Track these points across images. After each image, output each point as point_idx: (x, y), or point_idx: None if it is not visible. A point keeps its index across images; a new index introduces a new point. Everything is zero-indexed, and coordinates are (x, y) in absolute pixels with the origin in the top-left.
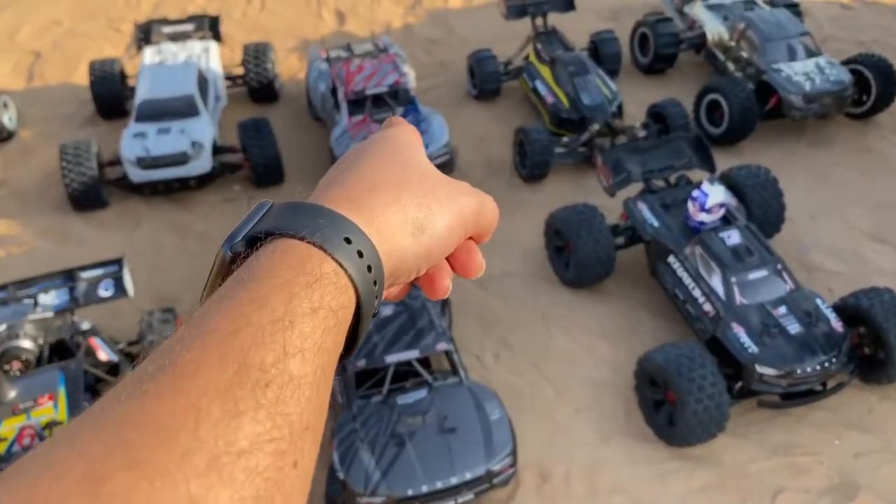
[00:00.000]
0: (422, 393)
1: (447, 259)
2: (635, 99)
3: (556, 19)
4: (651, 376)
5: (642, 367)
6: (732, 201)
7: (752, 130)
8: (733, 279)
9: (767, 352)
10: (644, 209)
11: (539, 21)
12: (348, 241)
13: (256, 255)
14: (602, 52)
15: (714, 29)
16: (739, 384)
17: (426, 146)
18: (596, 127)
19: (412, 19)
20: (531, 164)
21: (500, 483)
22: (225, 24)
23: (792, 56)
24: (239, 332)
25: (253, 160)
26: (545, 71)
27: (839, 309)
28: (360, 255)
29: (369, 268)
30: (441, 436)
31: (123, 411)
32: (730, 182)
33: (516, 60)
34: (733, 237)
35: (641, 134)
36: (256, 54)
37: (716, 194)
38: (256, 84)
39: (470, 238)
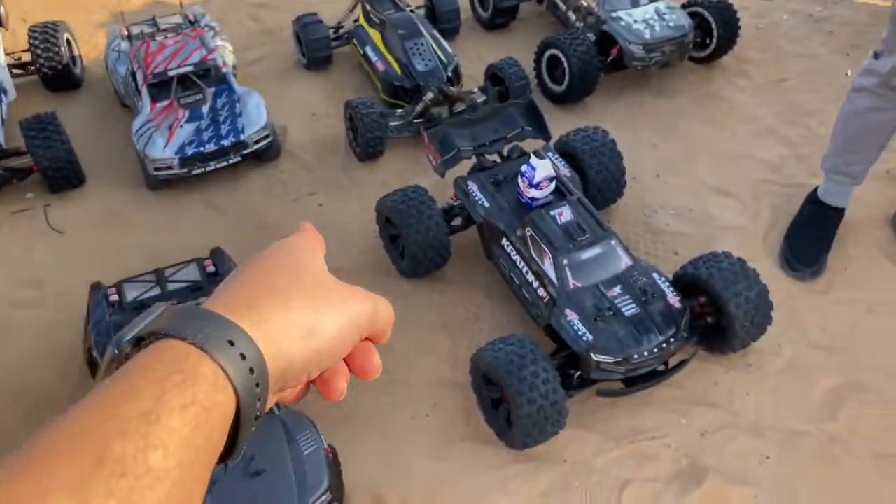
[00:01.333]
0: None
1: (344, 360)
2: (479, 58)
3: None
4: (485, 374)
5: (475, 365)
6: (566, 171)
7: (594, 86)
8: (565, 261)
9: (602, 338)
10: (474, 188)
11: None
12: (231, 343)
13: (138, 355)
14: (438, 9)
15: None
16: (578, 374)
17: (241, 130)
18: (430, 95)
19: None
20: (363, 142)
21: None
22: (20, 0)
23: (633, 3)
24: (104, 424)
25: (40, 163)
26: (375, 35)
27: (679, 279)
28: (243, 357)
29: (251, 370)
30: (246, 481)
31: None
32: (566, 149)
33: (347, 23)
34: (565, 214)
35: (480, 99)
36: (45, 36)
37: (543, 168)
38: (48, 70)
39: (367, 339)
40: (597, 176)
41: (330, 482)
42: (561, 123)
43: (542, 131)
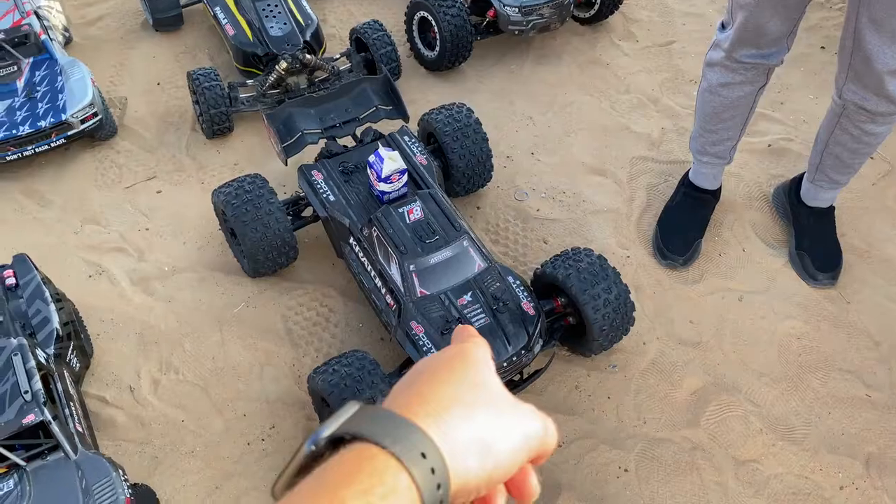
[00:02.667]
0: (10, 482)
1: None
2: (348, 18)
3: None
4: (322, 397)
5: (311, 387)
6: (423, 159)
7: (468, 52)
8: (412, 266)
9: None
10: (319, 179)
11: None
12: (423, 455)
13: (338, 458)
14: None
15: None
16: None
17: (62, 109)
18: (284, 64)
19: None
20: (208, 119)
21: None
22: None
23: None
24: None
25: None
26: None
27: (538, 278)
28: (433, 471)
29: (438, 486)
30: None
31: None
32: (428, 129)
33: None
34: (415, 212)
35: (344, 66)
36: None
37: (391, 161)
38: None
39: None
40: (460, 161)
41: None
42: (435, 91)
43: (399, 111)
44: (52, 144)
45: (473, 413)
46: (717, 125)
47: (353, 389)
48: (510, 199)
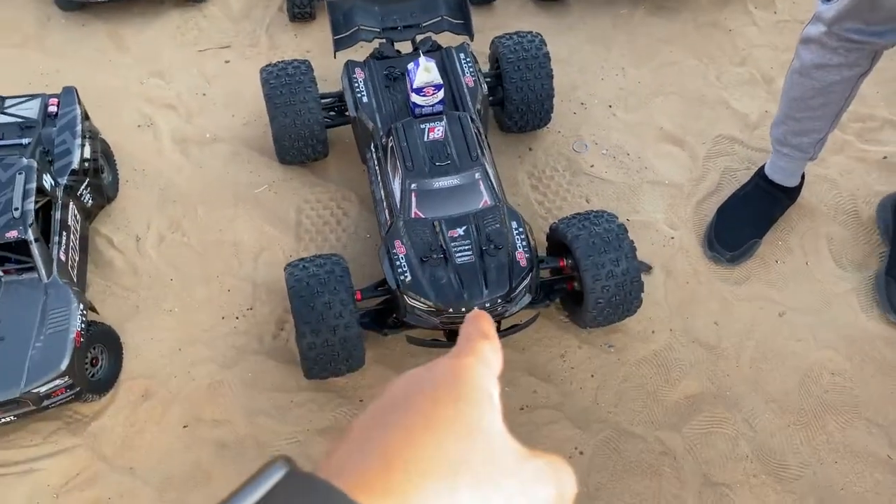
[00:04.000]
0: None
1: None
2: None
3: None
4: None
5: (287, 282)
6: (469, 80)
7: None
8: (413, 185)
9: (419, 281)
10: (360, 78)
11: None
12: None
13: None
14: None
15: None
16: (394, 315)
17: None
18: None
19: None
20: (293, 1)
21: (54, 405)
22: None
23: None
24: None
25: None
26: None
27: (551, 233)
28: None
29: None
30: None
31: None
32: (496, 54)
33: None
34: (437, 131)
35: None
36: None
37: (426, 72)
38: None
39: None
40: (516, 94)
41: (69, 367)
42: (527, 21)
43: (465, 27)
44: None
45: (459, 479)
46: (803, 113)
47: (313, 289)
48: (567, 147)
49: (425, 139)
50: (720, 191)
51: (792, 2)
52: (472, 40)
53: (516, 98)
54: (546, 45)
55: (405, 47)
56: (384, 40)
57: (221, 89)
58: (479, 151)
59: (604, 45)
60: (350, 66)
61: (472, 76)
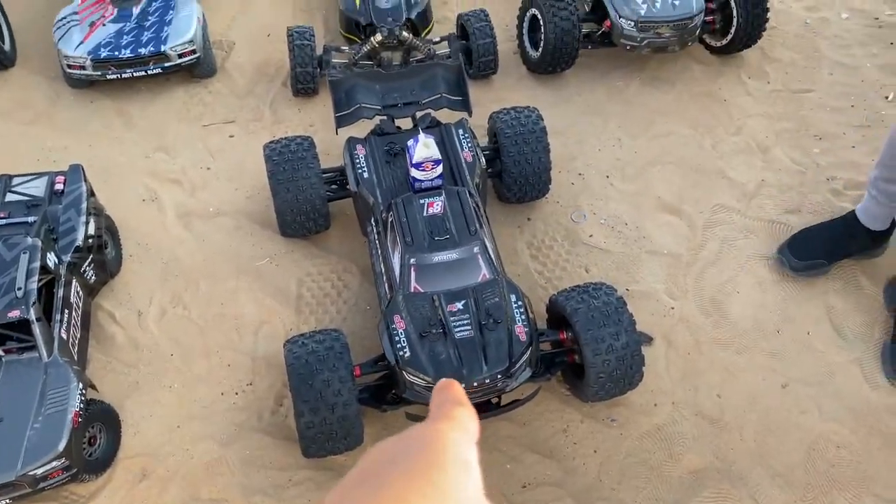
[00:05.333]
0: None
1: None
2: (469, 4)
3: None
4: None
5: (286, 359)
6: (468, 155)
7: (572, 59)
8: (412, 260)
9: (419, 356)
10: (361, 154)
11: None
12: None
13: None
14: None
15: None
16: (393, 391)
17: (163, 41)
18: (379, 37)
19: None
20: (293, 76)
21: (50, 487)
22: None
23: None
24: None
25: None
26: None
27: (550, 306)
28: None
29: None
30: None
31: None
32: (493, 128)
33: None
34: (436, 206)
35: (443, 51)
36: None
37: (425, 148)
38: None
39: None
40: (514, 167)
41: (66, 448)
42: (526, 94)
43: (463, 103)
44: (149, 72)
45: None
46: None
47: (312, 367)
48: (566, 217)
49: (425, 214)
50: (720, 260)
51: (785, 72)
52: (470, 116)
53: (514, 171)
54: (542, 119)
55: (405, 123)
56: (385, 117)
57: (225, 163)
58: (477, 226)
59: (600, 117)
60: (352, 142)
61: (471, 151)
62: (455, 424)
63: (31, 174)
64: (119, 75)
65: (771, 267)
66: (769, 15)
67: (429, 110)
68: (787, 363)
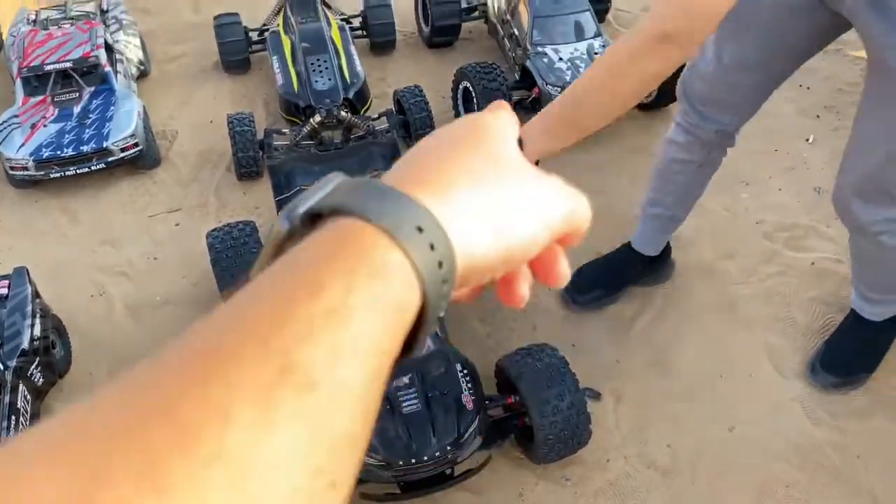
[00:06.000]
0: None
1: (529, 263)
2: (406, 80)
3: None
4: None
5: None
6: None
7: None
8: None
9: (375, 437)
10: None
11: None
12: (420, 229)
13: (315, 234)
14: (370, 21)
15: None
16: None
17: (105, 136)
18: (318, 118)
19: None
20: (237, 161)
21: None
22: None
23: (564, 38)
24: (287, 324)
25: None
26: (287, 44)
27: (498, 371)
28: (432, 247)
29: (440, 264)
30: None
31: (142, 396)
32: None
33: (271, 25)
34: None
35: (381, 126)
36: None
37: None
38: None
39: (557, 242)
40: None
41: None
42: None
43: None
44: (93, 168)
45: (486, 185)
46: None
47: None
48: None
49: None
50: (662, 312)
51: None
52: None
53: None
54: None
55: None
56: None
57: (172, 252)
58: None
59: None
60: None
61: None
62: (497, 113)
63: None
64: (62, 173)
65: (713, 313)
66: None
67: None
68: (732, 407)
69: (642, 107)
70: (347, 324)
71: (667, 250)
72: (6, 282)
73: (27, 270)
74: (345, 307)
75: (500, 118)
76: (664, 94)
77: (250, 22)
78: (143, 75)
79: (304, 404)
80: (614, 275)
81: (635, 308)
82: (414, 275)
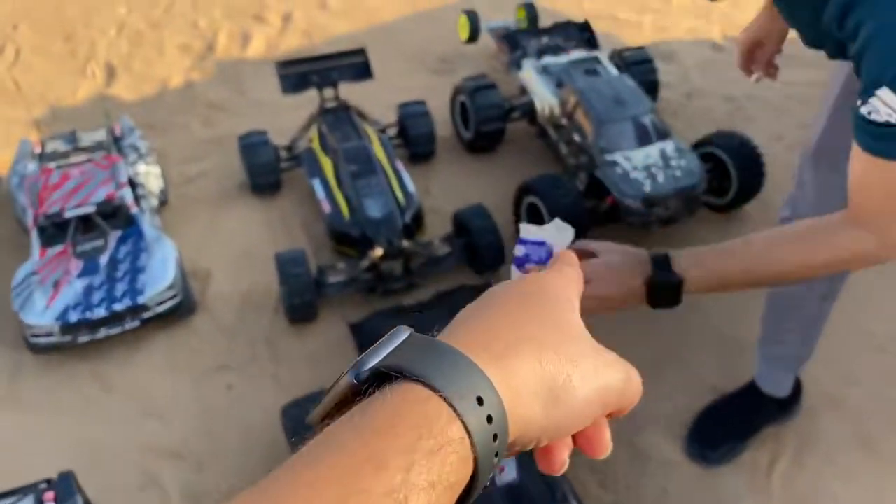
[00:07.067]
0: None
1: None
2: (450, 192)
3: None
4: None
5: None
6: None
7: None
8: None
9: None
10: None
11: (330, 92)
12: (480, 401)
13: (381, 398)
14: (410, 132)
15: (544, 99)
16: None
17: (140, 291)
18: (380, 251)
19: (197, 75)
20: (289, 307)
21: None
22: None
23: (632, 142)
24: (349, 498)
25: None
26: (327, 165)
27: None
28: (489, 420)
29: (494, 437)
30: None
31: None
32: None
33: (301, 141)
34: (507, 472)
35: (443, 252)
36: None
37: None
38: None
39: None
40: None
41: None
42: None
43: None
44: (125, 328)
45: (544, 354)
46: None
47: None
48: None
49: (497, 482)
50: (801, 461)
51: None
52: None
53: None
54: None
55: None
56: None
57: (231, 422)
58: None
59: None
60: None
61: None
62: (562, 274)
63: (9, 493)
64: (92, 336)
65: (853, 452)
66: (765, 165)
67: None
68: None
69: (716, 207)
70: (404, 503)
71: (798, 386)
72: (51, 493)
73: (74, 477)
74: (404, 486)
75: (566, 278)
76: (740, 195)
77: (273, 134)
78: (161, 204)
79: None
80: (744, 422)
81: (769, 454)
82: (470, 449)
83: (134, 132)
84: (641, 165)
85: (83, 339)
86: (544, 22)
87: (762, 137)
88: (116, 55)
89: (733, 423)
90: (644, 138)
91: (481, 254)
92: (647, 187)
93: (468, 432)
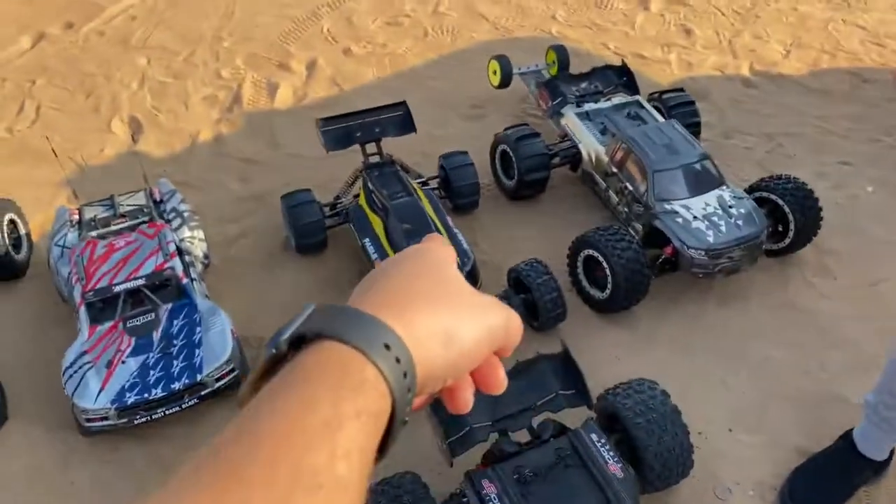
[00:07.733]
0: None
1: (471, 374)
2: (498, 243)
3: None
4: None
5: None
6: (617, 469)
7: (643, 295)
8: None
9: None
10: (492, 493)
11: (372, 147)
12: (387, 347)
13: (302, 357)
14: (454, 183)
15: (589, 146)
16: None
17: (198, 368)
18: None
19: (226, 127)
20: None
21: None
22: None
23: (686, 190)
24: (291, 435)
25: None
26: (377, 223)
27: None
28: (398, 361)
29: (405, 374)
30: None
31: None
32: (610, 412)
33: (346, 197)
34: None
35: None
36: None
37: None
38: None
39: (493, 353)
40: (655, 461)
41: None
42: (604, 341)
43: (581, 395)
44: (183, 406)
45: (436, 305)
46: None
47: None
48: (709, 495)
49: None
50: None
51: (846, 263)
52: (591, 409)
53: (655, 465)
54: (669, 396)
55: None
56: (500, 433)
57: None
58: None
59: (689, 354)
60: (474, 478)
61: (616, 462)
62: (435, 243)
63: None
64: (149, 417)
65: None
66: (822, 209)
67: (546, 414)
68: None
69: (772, 252)
70: (339, 431)
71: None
72: None
73: None
74: (336, 417)
75: (439, 248)
76: (797, 240)
77: (313, 188)
78: (204, 268)
79: (314, 502)
80: (840, 483)
81: None
82: (385, 385)
83: (175, 195)
84: (701, 215)
85: (140, 419)
86: (572, 63)
87: (805, 176)
88: (141, 109)
89: (830, 486)
90: (699, 185)
91: (544, 311)
92: (711, 237)
93: (381, 371)
